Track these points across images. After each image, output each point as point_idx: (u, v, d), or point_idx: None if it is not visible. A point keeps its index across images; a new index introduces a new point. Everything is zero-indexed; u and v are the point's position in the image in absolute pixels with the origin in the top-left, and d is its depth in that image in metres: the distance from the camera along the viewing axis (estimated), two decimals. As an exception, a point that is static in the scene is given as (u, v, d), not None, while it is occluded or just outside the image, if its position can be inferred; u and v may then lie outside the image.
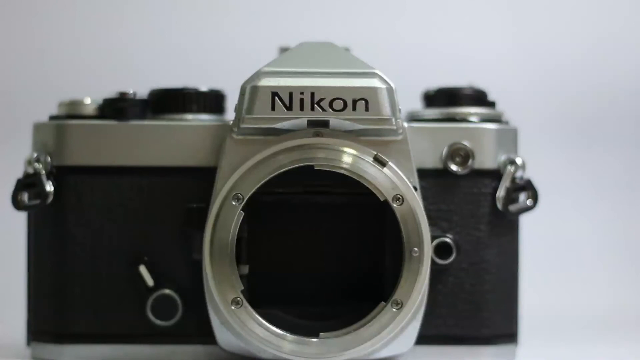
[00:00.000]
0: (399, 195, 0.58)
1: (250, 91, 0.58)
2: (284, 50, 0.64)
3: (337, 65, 0.59)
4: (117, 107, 0.62)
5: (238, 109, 0.59)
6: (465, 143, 0.62)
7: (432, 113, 0.64)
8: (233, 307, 0.58)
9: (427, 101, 0.65)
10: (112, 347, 0.62)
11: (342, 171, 0.58)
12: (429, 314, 0.60)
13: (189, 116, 0.62)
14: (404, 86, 0.61)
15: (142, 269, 0.61)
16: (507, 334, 0.64)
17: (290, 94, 0.58)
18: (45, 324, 0.62)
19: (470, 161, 0.62)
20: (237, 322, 0.58)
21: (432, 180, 0.62)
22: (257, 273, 0.60)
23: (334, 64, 0.59)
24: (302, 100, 0.58)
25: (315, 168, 0.58)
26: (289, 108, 0.58)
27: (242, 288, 0.58)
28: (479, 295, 0.62)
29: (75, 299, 0.62)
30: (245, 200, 0.57)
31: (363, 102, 0.58)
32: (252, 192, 0.57)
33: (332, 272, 0.62)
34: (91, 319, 0.62)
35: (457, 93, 0.64)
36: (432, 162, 0.62)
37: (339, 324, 0.58)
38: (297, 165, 0.58)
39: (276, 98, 0.58)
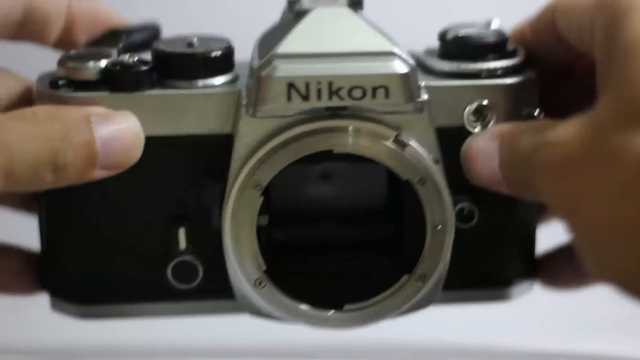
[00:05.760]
0: (421, 177, 0.57)
1: (264, 80, 0.56)
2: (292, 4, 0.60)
3: (354, 42, 0.57)
4: (124, 79, 0.59)
5: (252, 92, 0.57)
6: (486, 102, 0.60)
7: (451, 67, 0.61)
8: (257, 287, 0.58)
9: (444, 47, 0.62)
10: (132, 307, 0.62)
11: (362, 154, 0.57)
12: (452, 264, 0.60)
13: (199, 82, 0.60)
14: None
15: (181, 232, 0.61)
16: (525, 271, 0.65)
17: (307, 84, 0.56)
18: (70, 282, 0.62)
19: (490, 119, 0.60)
20: (262, 300, 0.58)
21: (451, 138, 0.60)
22: (278, 225, 0.60)
23: (350, 40, 0.57)
24: (319, 90, 0.56)
25: (335, 152, 0.57)
26: (306, 98, 0.56)
27: (265, 268, 0.58)
28: (500, 244, 0.63)
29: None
30: (264, 188, 0.57)
31: (383, 89, 0.56)
32: (271, 178, 0.57)
33: (350, 243, 0.62)
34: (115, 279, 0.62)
35: (476, 44, 0.61)
36: (451, 120, 0.60)
37: (362, 295, 0.59)
38: (316, 151, 0.57)
39: (292, 90, 0.56)
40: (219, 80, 0.60)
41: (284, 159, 0.57)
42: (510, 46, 0.62)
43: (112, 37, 0.64)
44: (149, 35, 0.65)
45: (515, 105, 0.60)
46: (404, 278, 0.59)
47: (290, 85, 0.56)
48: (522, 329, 0.73)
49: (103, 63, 0.59)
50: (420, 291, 0.59)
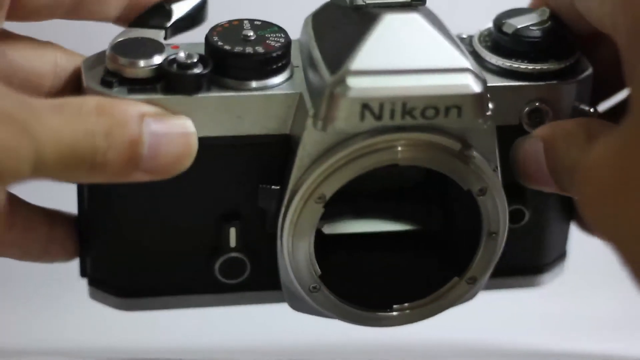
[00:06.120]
0: (482, 187, 0.57)
1: (337, 99, 0.54)
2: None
3: (428, 57, 0.55)
4: (180, 81, 0.56)
5: (321, 107, 0.55)
6: (544, 104, 0.59)
7: (510, 65, 0.59)
8: (311, 292, 0.58)
9: (501, 40, 0.60)
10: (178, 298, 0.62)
11: (427, 166, 0.56)
12: None
13: (258, 83, 0.57)
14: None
15: (232, 231, 0.60)
16: (561, 255, 0.65)
17: (381, 105, 0.54)
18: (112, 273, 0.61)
19: (546, 120, 0.59)
20: (314, 303, 0.59)
21: (506, 137, 0.59)
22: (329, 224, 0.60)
23: (424, 55, 0.55)
24: (392, 111, 0.54)
25: (400, 165, 0.56)
26: (379, 118, 0.55)
27: (320, 274, 0.58)
28: (541, 239, 0.64)
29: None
30: (327, 200, 0.56)
31: (456, 109, 0.55)
32: (335, 191, 0.56)
33: (400, 242, 0.63)
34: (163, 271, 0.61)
35: (537, 42, 0.59)
36: (507, 120, 0.59)
37: (412, 296, 0.60)
38: (382, 165, 0.56)
39: (366, 110, 0.54)
40: (277, 79, 0.57)
41: (350, 173, 0.56)
42: (568, 39, 0.61)
43: (159, 13, 0.60)
44: (195, 8, 0.61)
45: (572, 103, 0.60)
46: (454, 280, 0.59)
47: (365, 106, 0.54)
48: (522, 328, 0.73)
49: (157, 59, 0.56)
50: (469, 291, 0.60)
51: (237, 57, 0.56)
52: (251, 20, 0.59)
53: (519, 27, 0.60)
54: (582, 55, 0.61)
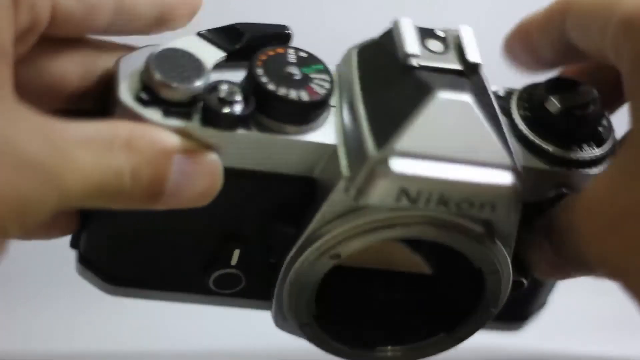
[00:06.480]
0: (494, 269, 0.57)
1: (377, 176, 0.53)
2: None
3: (472, 147, 0.53)
4: (219, 117, 0.54)
5: (358, 177, 0.54)
6: (569, 189, 0.58)
7: (547, 147, 0.58)
8: (303, 327, 0.59)
9: (541, 115, 0.59)
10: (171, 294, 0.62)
11: (447, 244, 0.56)
12: None
13: (296, 127, 0.56)
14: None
15: (236, 252, 0.59)
16: (543, 304, 0.67)
17: (419, 192, 0.53)
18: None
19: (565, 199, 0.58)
20: (305, 337, 0.60)
21: (524, 212, 0.58)
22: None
23: (468, 144, 0.53)
24: (429, 199, 0.54)
25: (422, 239, 0.56)
26: (414, 202, 0.54)
27: (315, 314, 0.58)
28: (531, 297, 0.65)
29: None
30: (341, 258, 0.56)
31: (490, 205, 0.54)
32: (350, 253, 0.56)
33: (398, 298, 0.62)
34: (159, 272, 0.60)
35: (577, 130, 0.58)
36: (527, 197, 0.57)
37: (397, 340, 0.61)
38: (405, 238, 0.56)
39: (403, 193, 0.53)
40: (314, 123, 0.56)
41: (371, 239, 0.55)
42: (607, 125, 0.60)
43: (230, 34, 0.57)
44: (273, 40, 0.58)
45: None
46: (442, 335, 0.60)
47: (403, 190, 0.53)
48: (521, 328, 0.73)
49: (197, 84, 0.54)
50: (453, 346, 0.61)
51: (280, 101, 0.55)
52: (297, 51, 0.57)
53: (562, 108, 0.58)
54: (616, 141, 0.59)
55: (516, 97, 0.60)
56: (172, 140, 0.53)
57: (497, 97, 0.59)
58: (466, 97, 0.53)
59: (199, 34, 0.57)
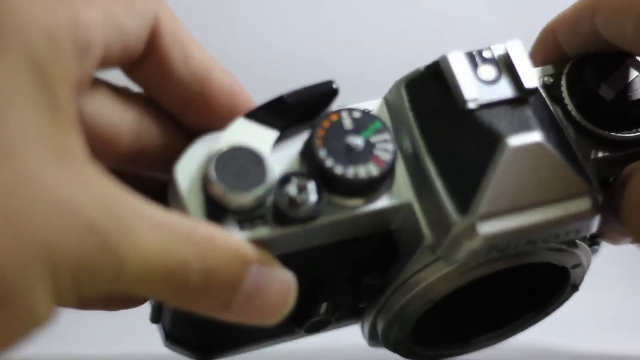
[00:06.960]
0: (576, 263, 0.58)
1: (465, 243, 0.52)
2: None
3: (551, 188, 0.53)
4: (292, 217, 0.52)
5: (443, 241, 0.53)
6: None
7: (607, 135, 0.57)
8: (401, 352, 0.61)
9: (598, 105, 0.57)
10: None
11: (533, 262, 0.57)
12: None
13: (365, 199, 0.53)
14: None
15: (324, 305, 0.57)
16: None
17: (507, 243, 0.53)
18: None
19: None
20: (405, 355, 0.61)
21: None
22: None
23: (547, 186, 0.53)
24: (517, 245, 0.54)
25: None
26: (503, 252, 0.53)
27: (412, 340, 0.60)
28: None
29: None
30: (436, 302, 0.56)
31: (574, 231, 0.54)
32: (442, 296, 0.56)
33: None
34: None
35: (630, 112, 0.57)
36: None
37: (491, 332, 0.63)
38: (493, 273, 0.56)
39: (492, 249, 0.53)
40: (382, 190, 0.54)
41: (463, 280, 0.55)
42: None
43: (279, 108, 0.53)
44: (318, 102, 0.55)
45: None
46: (531, 314, 0.63)
47: (492, 247, 0.53)
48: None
49: (265, 185, 0.51)
50: (540, 320, 0.64)
51: (350, 182, 0.52)
52: (349, 112, 0.53)
53: (615, 93, 0.57)
54: None
55: (566, 85, 0.58)
56: (251, 249, 0.49)
57: (545, 86, 0.57)
58: (536, 136, 0.52)
59: (247, 117, 0.53)
